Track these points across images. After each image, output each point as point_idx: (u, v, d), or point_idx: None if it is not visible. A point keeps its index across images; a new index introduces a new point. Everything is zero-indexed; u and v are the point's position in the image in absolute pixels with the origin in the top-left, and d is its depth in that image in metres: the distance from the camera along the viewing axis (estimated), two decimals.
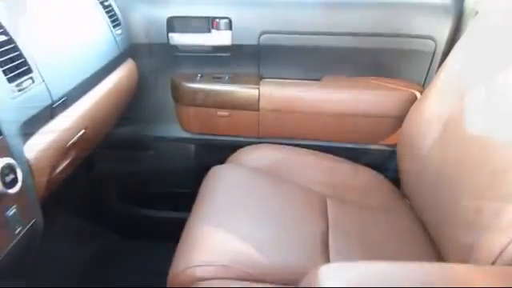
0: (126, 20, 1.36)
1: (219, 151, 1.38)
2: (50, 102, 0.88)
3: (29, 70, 0.82)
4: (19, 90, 0.78)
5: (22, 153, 0.74)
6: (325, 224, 1.02)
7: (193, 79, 1.44)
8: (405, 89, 1.36)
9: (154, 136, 1.56)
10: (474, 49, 1.06)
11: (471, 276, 0.60)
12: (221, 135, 1.50)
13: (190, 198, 1.13)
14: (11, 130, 0.71)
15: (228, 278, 0.86)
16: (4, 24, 0.79)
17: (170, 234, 1.08)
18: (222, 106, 1.43)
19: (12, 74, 0.77)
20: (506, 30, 0.97)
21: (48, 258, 0.92)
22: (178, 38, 1.42)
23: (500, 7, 1.03)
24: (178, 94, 1.47)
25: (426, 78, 1.38)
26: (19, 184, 0.65)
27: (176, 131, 1.54)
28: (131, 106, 1.47)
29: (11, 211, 0.68)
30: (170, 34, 1.41)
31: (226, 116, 1.45)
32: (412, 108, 1.24)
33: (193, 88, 1.44)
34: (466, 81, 1.02)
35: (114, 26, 1.25)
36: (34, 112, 0.82)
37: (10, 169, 0.64)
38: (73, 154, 1.01)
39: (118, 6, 1.34)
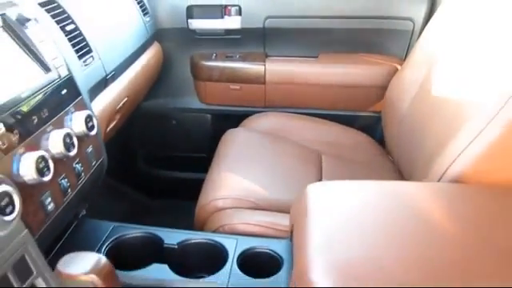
0: (152, 8, 1.53)
1: (232, 119, 1.53)
2: (104, 74, 1.09)
3: (90, 50, 1.04)
4: (85, 65, 1.00)
5: (92, 110, 0.96)
6: (319, 173, 1.18)
7: (209, 58, 1.60)
8: (388, 63, 1.52)
9: (175, 107, 1.71)
10: (443, 25, 1.19)
11: (416, 187, 0.82)
12: (233, 105, 1.65)
13: (207, 160, 1.29)
14: (85, 94, 0.94)
15: (241, 207, 1.04)
16: (72, 16, 1.02)
17: (190, 193, 1.21)
18: (234, 81, 1.59)
19: (80, 53, 0.99)
20: (468, 9, 1.10)
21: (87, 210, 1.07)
22: (196, 23, 1.57)
23: None
24: (196, 71, 1.63)
25: (406, 53, 1.52)
26: (96, 128, 0.87)
27: (195, 103, 1.69)
28: (157, 83, 1.64)
29: (89, 149, 0.91)
30: (190, 20, 1.56)
31: (237, 89, 1.60)
32: (393, 78, 1.40)
33: (209, 65, 1.59)
34: (436, 52, 1.15)
35: (143, 15, 1.44)
36: (95, 81, 1.03)
37: (90, 118, 0.86)
38: (118, 117, 1.23)
39: None
